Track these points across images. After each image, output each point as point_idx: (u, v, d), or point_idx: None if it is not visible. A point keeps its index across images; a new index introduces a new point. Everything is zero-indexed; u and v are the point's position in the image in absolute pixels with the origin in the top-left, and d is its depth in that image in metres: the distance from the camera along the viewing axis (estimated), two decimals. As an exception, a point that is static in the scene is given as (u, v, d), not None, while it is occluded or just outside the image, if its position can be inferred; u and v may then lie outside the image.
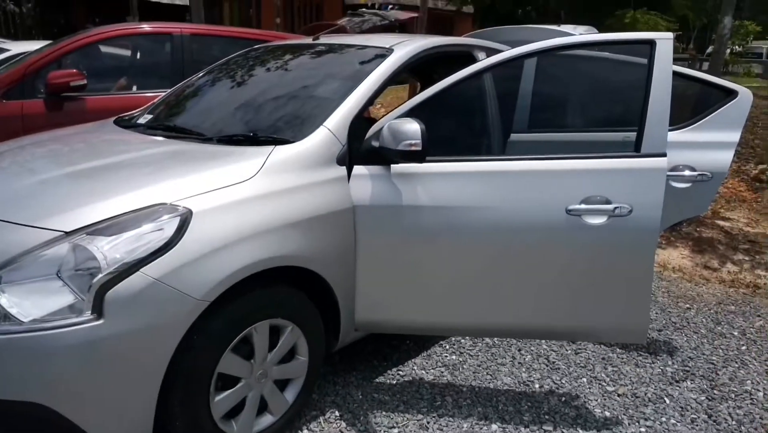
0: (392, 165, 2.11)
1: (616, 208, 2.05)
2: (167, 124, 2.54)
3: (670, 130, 2.43)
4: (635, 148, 2.13)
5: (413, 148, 1.95)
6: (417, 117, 2.03)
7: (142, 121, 2.69)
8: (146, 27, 4.46)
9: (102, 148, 2.30)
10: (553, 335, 2.26)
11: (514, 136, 2.89)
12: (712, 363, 2.84)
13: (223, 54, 3.47)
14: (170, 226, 1.64)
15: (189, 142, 2.22)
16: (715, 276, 4.09)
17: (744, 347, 3.02)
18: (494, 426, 2.26)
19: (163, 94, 3.06)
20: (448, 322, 2.23)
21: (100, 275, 1.52)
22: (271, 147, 2.03)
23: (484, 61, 2.27)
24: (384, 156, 2.06)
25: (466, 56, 2.94)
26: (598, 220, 2.07)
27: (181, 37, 4.43)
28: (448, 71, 3.77)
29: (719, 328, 3.24)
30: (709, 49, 18.62)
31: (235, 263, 1.72)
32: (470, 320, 2.21)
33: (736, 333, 3.19)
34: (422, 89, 4.71)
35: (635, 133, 2.19)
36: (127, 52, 4.71)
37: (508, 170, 2.11)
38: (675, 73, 2.41)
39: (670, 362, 2.82)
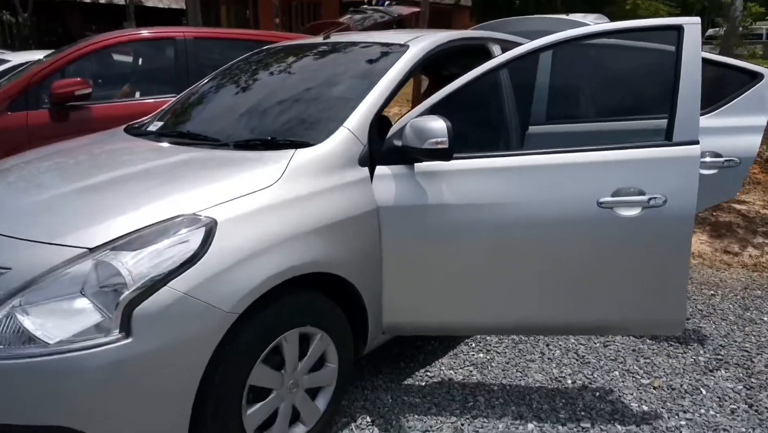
0: (416, 164, 2.05)
1: (650, 199, 1.99)
2: (180, 130, 2.48)
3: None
4: (666, 137, 2.06)
5: (440, 146, 1.89)
6: (439, 114, 1.97)
7: (153, 128, 2.63)
8: (149, 32, 4.40)
9: (116, 159, 2.25)
10: (589, 330, 2.20)
11: (532, 129, 2.82)
12: (746, 351, 2.77)
13: (228, 57, 3.40)
14: (195, 237, 1.59)
15: (205, 148, 2.15)
16: (736, 261, 4.03)
17: (776, 333, 2.96)
18: (530, 425, 2.20)
19: (173, 99, 3.00)
20: (479, 321, 2.17)
21: (126, 292, 1.47)
22: (291, 151, 1.97)
23: (505, 55, 2.20)
24: (408, 155, 2.00)
25: (480, 50, 2.88)
26: (631, 212, 2.01)
27: (185, 42, 4.37)
28: (459, 65, 3.69)
29: (748, 314, 3.17)
30: (709, 32, 18.42)
31: (263, 272, 1.66)
32: (502, 319, 2.15)
33: (766, 319, 3.12)
34: (430, 84, 4.67)
35: (662, 120, 2.13)
36: (130, 59, 4.65)
37: (536, 164, 2.05)
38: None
39: (702, 351, 2.76)
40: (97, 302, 1.50)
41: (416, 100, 5.26)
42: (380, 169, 2.06)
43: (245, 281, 1.63)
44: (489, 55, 2.84)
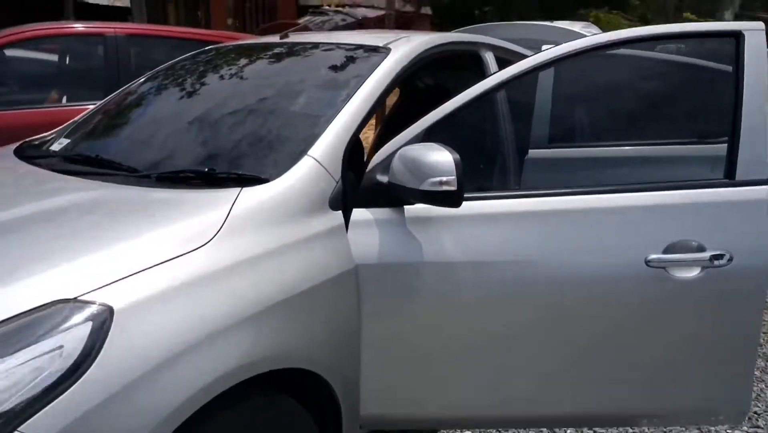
0: (406, 207, 1.53)
1: (713, 257, 1.52)
2: (86, 154, 1.85)
3: (701, 144, 1.96)
4: (727, 175, 1.61)
5: (446, 187, 1.37)
6: (439, 142, 1.46)
7: (56, 147, 2.00)
8: (72, 27, 3.76)
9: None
10: (627, 420, 1.71)
11: (532, 153, 2.34)
12: (784, 420, 2.35)
13: (169, 59, 2.81)
14: (75, 339, 1.00)
15: (116, 184, 1.54)
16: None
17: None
18: None
19: (86, 110, 2.36)
20: (489, 413, 1.66)
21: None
22: (236, 189, 1.39)
23: (521, 64, 1.68)
24: (398, 197, 1.47)
25: (469, 57, 2.39)
26: (689, 273, 1.54)
27: (116, 39, 3.74)
28: (440, 75, 3.13)
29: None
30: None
31: (188, 385, 1.09)
32: (519, 410, 1.65)
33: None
34: (401, 98, 4.10)
35: (704, 146, 1.69)
36: (53, 58, 3.98)
37: (566, 209, 1.55)
38: (709, 67, 1.96)
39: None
40: None
41: (380, 119, 4.62)
42: (358, 214, 1.52)
43: (160, 403, 1.05)
44: (481, 64, 2.36)
